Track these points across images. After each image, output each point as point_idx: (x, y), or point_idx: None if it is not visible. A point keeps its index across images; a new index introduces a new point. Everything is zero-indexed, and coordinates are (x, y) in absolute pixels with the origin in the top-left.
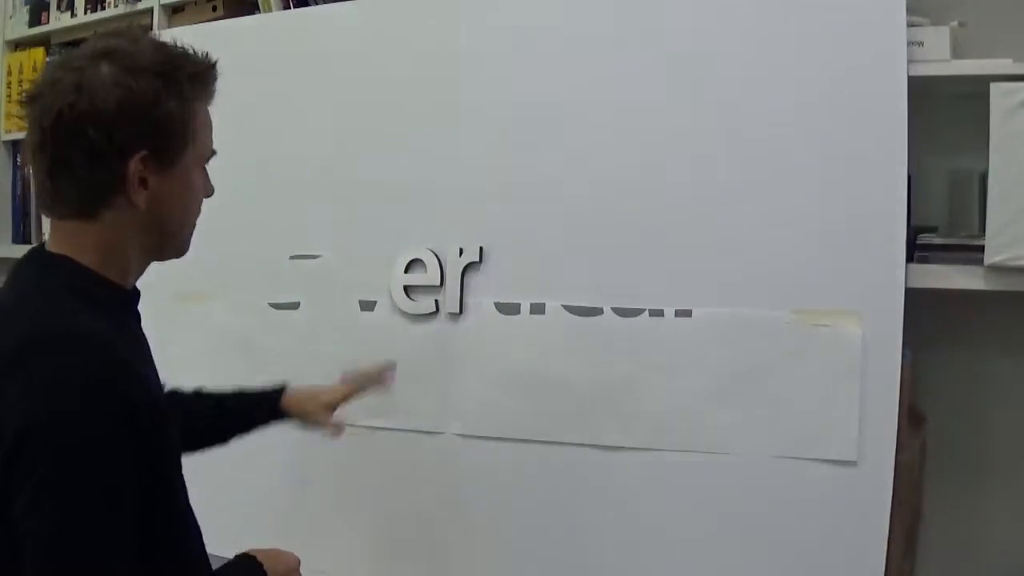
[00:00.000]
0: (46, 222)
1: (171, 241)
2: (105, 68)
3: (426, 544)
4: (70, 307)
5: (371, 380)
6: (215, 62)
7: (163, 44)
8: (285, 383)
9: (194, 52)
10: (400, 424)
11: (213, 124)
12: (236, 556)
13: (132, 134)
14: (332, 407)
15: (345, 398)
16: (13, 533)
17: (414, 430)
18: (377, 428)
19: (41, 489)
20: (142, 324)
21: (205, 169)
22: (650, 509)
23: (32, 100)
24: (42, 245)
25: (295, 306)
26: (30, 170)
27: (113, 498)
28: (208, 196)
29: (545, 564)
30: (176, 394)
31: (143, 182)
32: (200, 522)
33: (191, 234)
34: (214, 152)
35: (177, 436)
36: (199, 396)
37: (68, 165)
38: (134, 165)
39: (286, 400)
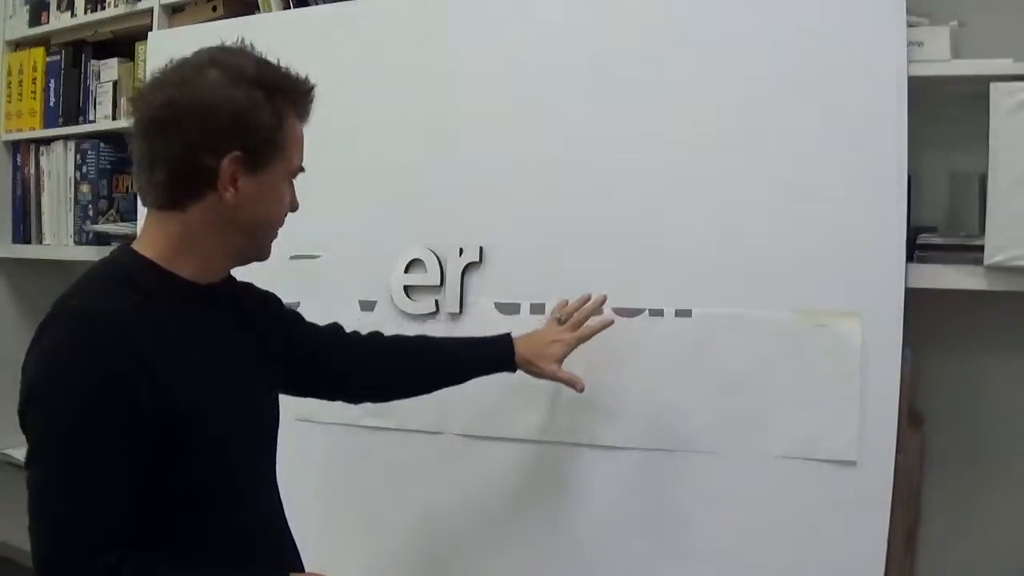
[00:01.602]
0: (46, 222)
1: (252, 243)
2: (212, 72)
3: (426, 544)
4: (93, 288)
5: (590, 319)
6: (313, 86)
7: (268, 61)
8: (508, 334)
9: (295, 74)
10: (400, 424)
11: (304, 143)
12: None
13: (227, 134)
14: (562, 359)
15: (572, 347)
16: None
17: (414, 430)
18: (377, 428)
19: (33, 447)
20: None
21: (292, 183)
22: (650, 509)
23: (140, 94)
24: (129, 241)
25: (295, 306)
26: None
27: (96, 457)
28: (293, 210)
29: (545, 564)
30: (397, 339)
31: (234, 181)
32: None
33: (272, 240)
34: (302, 169)
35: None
36: (428, 341)
37: (164, 156)
38: (227, 163)
39: (517, 355)
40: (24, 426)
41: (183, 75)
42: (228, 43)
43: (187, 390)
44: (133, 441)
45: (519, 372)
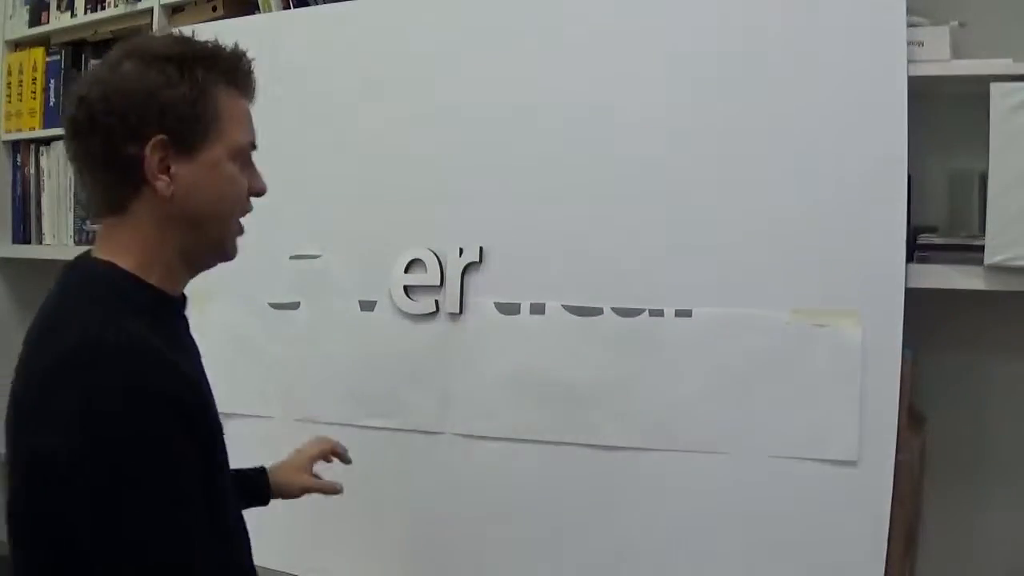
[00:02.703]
0: (47, 222)
1: (207, 239)
2: (126, 63)
3: (426, 544)
4: (111, 315)
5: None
6: (242, 54)
7: (183, 37)
8: (263, 467)
9: (215, 43)
10: (400, 424)
11: (249, 118)
12: None
13: (144, 118)
14: (309, 467)
15: (318, 454)
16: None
17: (414, 430)
18: (377, 428)
19: (105, 502)
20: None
21: (251, 164)
22: (650, 509)
23: (62, 101)
24: (88, 251)
25: (295, 306)
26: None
27: (179, 495)
28: (257, 194)
29: (545, 564)
30: None
31: (165, 168)
32: None
33: (234, 234)
34: (253, 146)
35: (225, 449)
36: None
37: (90, 156)
38: (150, 148)
39: (272, 484)
40: (66, 489)
41: (98, 72)
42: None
43: (212, 409)
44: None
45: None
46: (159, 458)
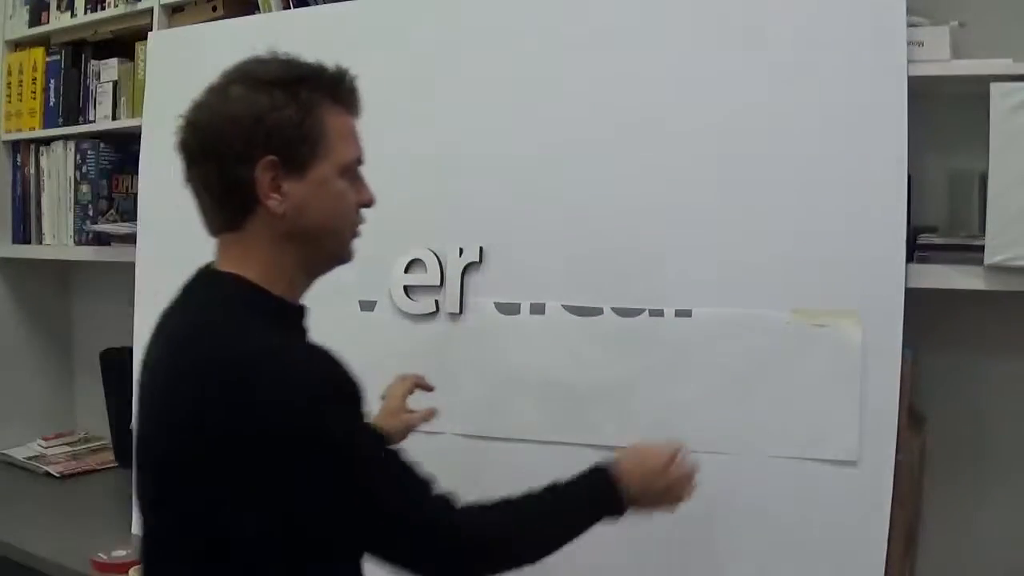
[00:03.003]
0: (46, 222)
1: (323, 249)
2: (234, 88)
3: None
4: (256, 325)
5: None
6: (345, 71)
7: (288, 60)
8: None
9: (319, 63)
10: None
11: (355, 132)
12: (590, 469)
13: (252, 141)
14: (403, 406)
15: (406, 391)
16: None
17: (414, 430)
18: None
19: (340, 481)
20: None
21: (358, 177)
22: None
23: (177, 128)
24: (208, 265)
25: None
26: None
27: (393, 452)
28: (365, 206)
29: (543, 564)
30: None
31: (277, 188)
32: None
33: (349, 240)
34: (360, 161)
35: None
36: None
37: (205, 180)
38: (260, 170)
39: None
40: (288, 475)
41: (207, 99)
42: (258, 54)
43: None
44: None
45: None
46: (364, 427)
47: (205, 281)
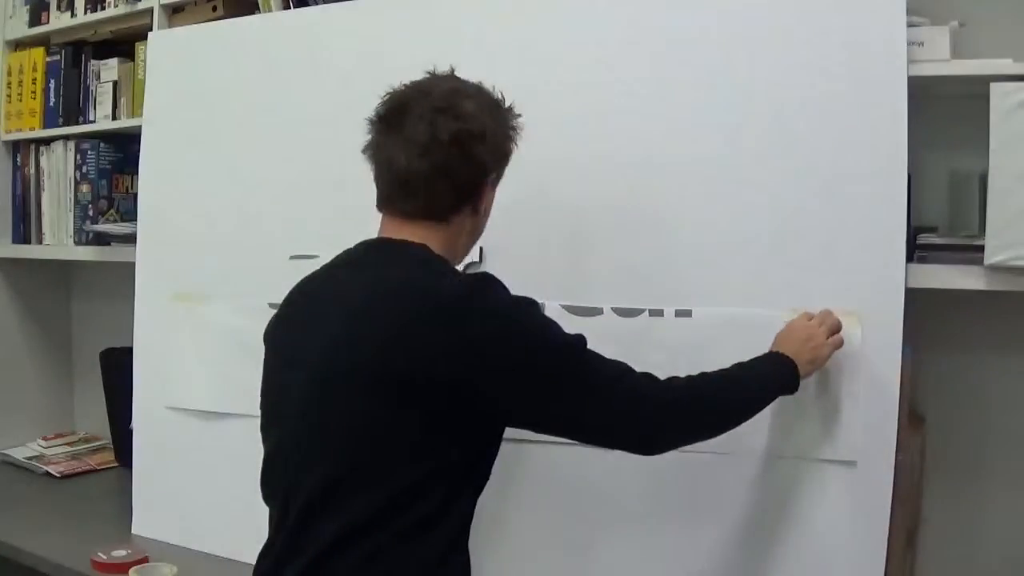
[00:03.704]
0: (46, 222)
1: (471, 247)
2: (470, 104)
3: None
4: (462, 274)
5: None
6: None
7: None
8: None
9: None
10: None
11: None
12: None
13: (496, 158)
14: None
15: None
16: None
17: None
18: None
19: (556, 382)
20: None
21: None
22: (650, 509)
23: (405, 116)
24: (388, 239)
25: None
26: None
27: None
28: None
29: (545, 564)
30: None
31: (483, 197)
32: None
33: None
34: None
35: None
36: None
37: (449, 174)
38: (488, 182)
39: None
40: (541, 372)
41: (460, 105)
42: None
43: None
44: None
45: None
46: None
47: (393, 244)
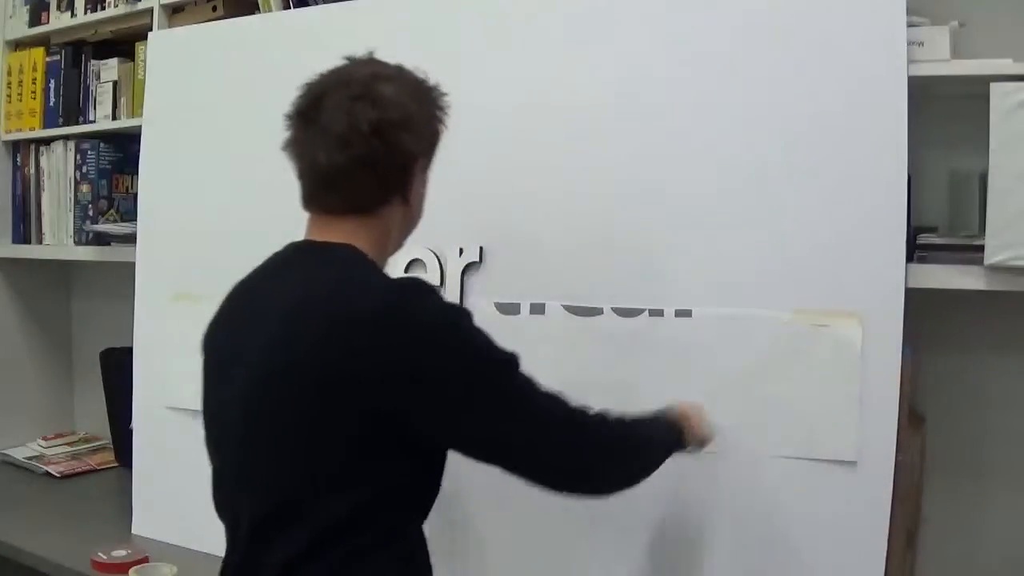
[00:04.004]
0: (46, 222)
1: (406, 237)
2: (389, 89)
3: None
4: (392, 279)
5: None
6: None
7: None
8: None
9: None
10: None
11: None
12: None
13: (423, 143)
14: None
15: None
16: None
17: None
18: None
19: (503, 390)
20: None
21: None
22: (649, 509)
23: (322, 108)
24: (309, 240)
25: None
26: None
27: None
28: None
29: (545, 564)
30: None
31: (412, 186)
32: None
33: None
34: None
35: None
36: None
37: (372, 166)
38: (417, 169)
39: None
40: (473, 388)
41: (376, 90)
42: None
43: None
44: None
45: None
46: (511, 363)
47: (314, 248)
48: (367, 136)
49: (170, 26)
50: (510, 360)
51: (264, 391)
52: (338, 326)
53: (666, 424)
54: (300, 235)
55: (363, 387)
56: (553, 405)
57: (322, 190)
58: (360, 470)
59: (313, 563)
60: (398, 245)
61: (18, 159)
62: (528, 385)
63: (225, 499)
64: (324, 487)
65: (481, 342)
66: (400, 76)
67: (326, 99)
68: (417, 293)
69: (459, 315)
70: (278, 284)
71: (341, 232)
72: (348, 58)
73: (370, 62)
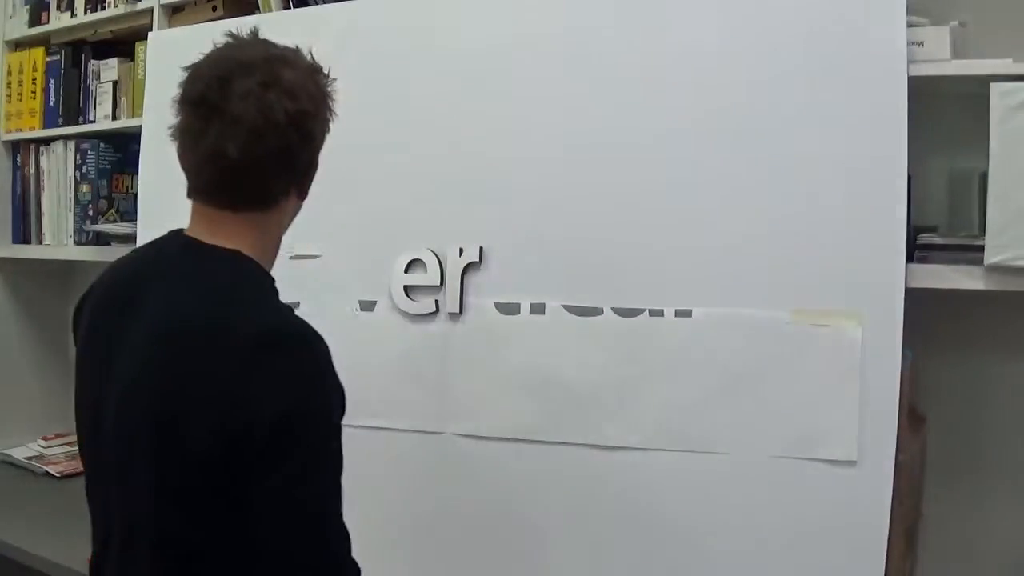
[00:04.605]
0: (46, 222)
1: (288, 227)
2: (294, 74)
3: (425, 544)
4: (274, 302)
5: None
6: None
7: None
8: None
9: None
10: (400, 424)
11: None
12: None
13: (325, 131)
14: None
15: None
16: (240, 506)
17: (414, 430)
18: (377, 428)
19: (311, 459)
20: None
21: None
22: (650, 509)
23: (228, 97)
24: (182, 234)
25: (295, 306)
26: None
27: (340, 469)
28: None
29: (544, 564)
30: None
31: (312, 176)
32: None
33: None
34: None
35: None
36: None
37: (289, 157)
38: (318, 158)
39: None
40: (281, 441)
41: (280, 77)
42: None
43: None
44: None
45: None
46: (338, 438)
47: (201, 252)
48: (284, 128)
49: (170, 26)
50: (338, 452)
51: (132, 401)
52: (202, 362)
53: None
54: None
55: (217, 421)
56: (339, 509)
57: (226, 183)
58: (206, 504)
59: None
60: (279, 241)
61: (18, 159)
62: (336, 474)
63: (97, 492)
64: (178, 514)
65: (330, 417)
66: (297, 59)
67: (232, 85)
68: (291, 341)
69: (323, 378)
70: (160, 291)
71: (232, 231)
72: (230, 35)
73: (260, 42)
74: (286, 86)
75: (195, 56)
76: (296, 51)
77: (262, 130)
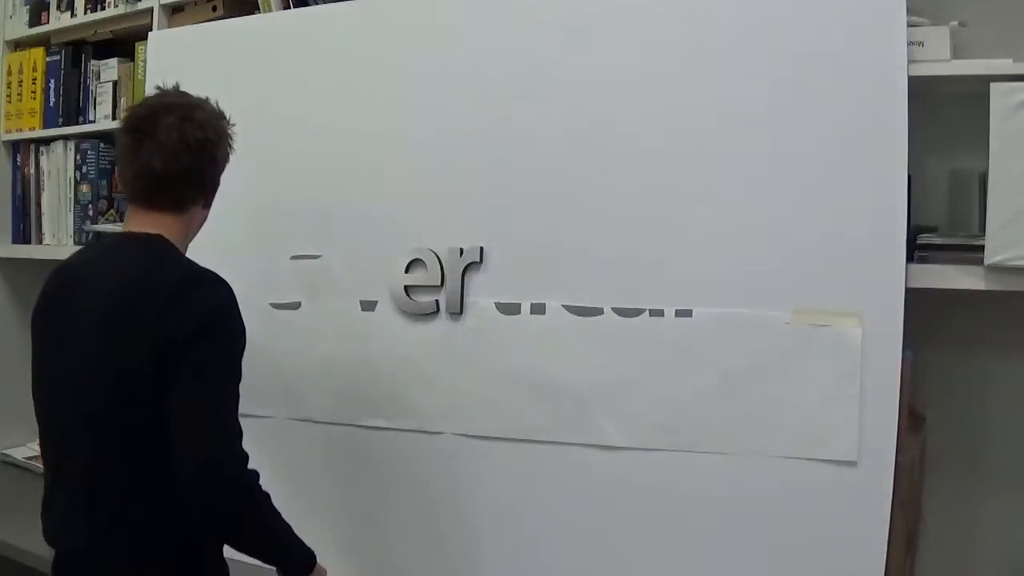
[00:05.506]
0: (46, 222)
1: (198, 231)
2: (203, 115)
3: (425, 544)
4: (191, 262)
5: None
6: None
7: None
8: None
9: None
10: (400, 424)
11: None
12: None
13: (226, 159)
14: None
15: None
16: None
17: (414, 430)
18: (377, 428)
19: (210, 364)
20: None
21: None
22: (650, 509)
23: (156, 126)
24: (130, 232)
25: (295, 306)
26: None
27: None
28: None
29: (544, 564)
30: None
31: (214, 192)
32: None
33: None
34: None
35: None
36: None
37: (198, 172)
38: (220, 179)
39: None
40: (191, 346)
41: (195, 114)
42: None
43: None
44: None
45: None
46: (238, 356)
47: (138, 237)
48: (194, 150)
49: (170, 26)
50: (237, 372)
51: (91, 335)
52: (144, 304)
53: (303, 552)
54: (299, 233)
55: (153, 337)
56: (236, 419)
57: (153, 190)
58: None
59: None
60: (190, 238)
61: (18, 159)
62: (234, 396)
63: (50, 454)
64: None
65: (233, 344)
66: (206, 105)
67: (159, 119)
68: (206, 284)
69: (231, 318)
70: (106, 263)
71: (158, 224)
72: (159, 88)
73: (180, 93)
74: (198, 122)
75: (195, 56)
76: (206, 100)
77: (179, 151)
